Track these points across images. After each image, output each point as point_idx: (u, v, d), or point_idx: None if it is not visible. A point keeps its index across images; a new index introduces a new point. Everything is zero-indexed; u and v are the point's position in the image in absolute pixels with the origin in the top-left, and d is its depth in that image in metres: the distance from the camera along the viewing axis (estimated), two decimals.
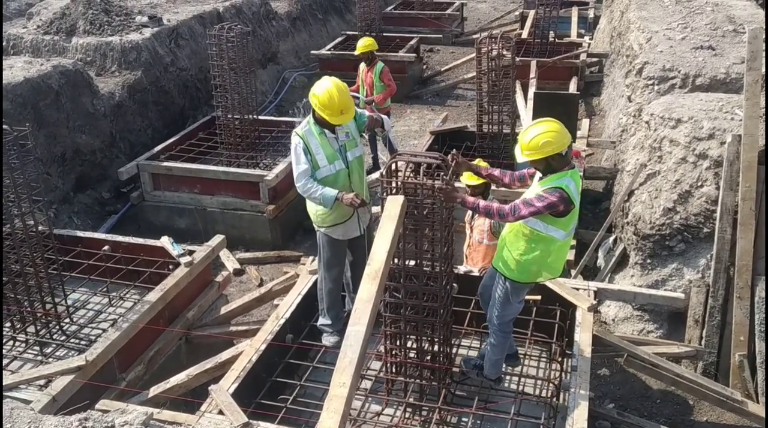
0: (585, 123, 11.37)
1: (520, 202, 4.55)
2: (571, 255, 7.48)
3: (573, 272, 7.54)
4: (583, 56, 13.64)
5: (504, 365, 5.32)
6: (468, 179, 6.18)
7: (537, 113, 9.18)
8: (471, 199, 4.78)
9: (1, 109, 8.31)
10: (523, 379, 5.46)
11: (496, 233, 6.17)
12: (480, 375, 5.27)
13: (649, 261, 7.05)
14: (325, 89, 5.21)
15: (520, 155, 4.56)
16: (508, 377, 5.49)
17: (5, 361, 5.77)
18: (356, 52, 10.55)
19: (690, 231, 6.87)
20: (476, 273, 6.10)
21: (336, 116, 5.24)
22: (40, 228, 5.90)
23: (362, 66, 10.60)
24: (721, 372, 6.47)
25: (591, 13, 17.73)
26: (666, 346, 6.41)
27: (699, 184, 6.85)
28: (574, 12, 16.84)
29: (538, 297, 5.91)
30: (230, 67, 9.33)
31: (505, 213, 4.55)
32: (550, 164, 4.54)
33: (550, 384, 5.36)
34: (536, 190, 4.57)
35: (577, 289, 6.00)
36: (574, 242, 7.62)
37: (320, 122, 5.38)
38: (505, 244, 4.80)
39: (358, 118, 5.60)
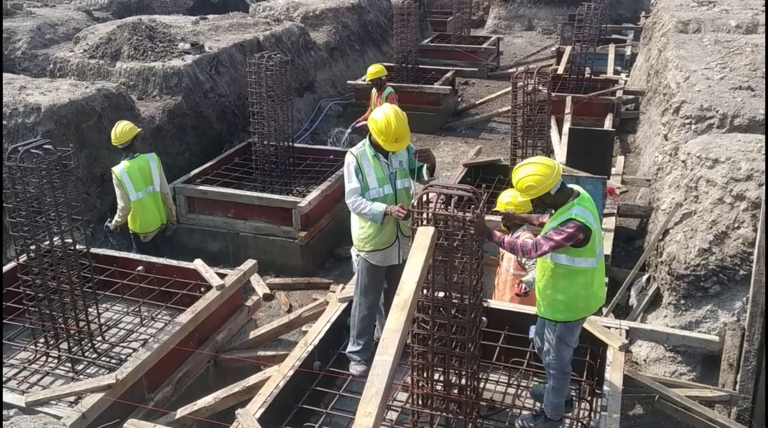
0: (620, 160, 11.33)
1: (540, 238, 4.64)
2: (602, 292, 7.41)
3: (605, 310, 7.44)
4: (619, 93, 13.60)
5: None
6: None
7: (571, 149, 9.16)
8: (498, 233, 4.83)
9: (1, 124, 8.57)
10: None
11: (523, 265, 6.17)
12: (546, 421, 5.17)
13: (683, 301, 6.93)
14: (384, 115, 5.34)
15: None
16: None
17: (37, 377, 5.88)
18: (366, 78, 11.09)
19: (726, 273, 6.74)
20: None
21: (390, 143, 5.37)
22: (77, 246, 6.04)
23: (374, 91, 11.03)
24: (756, 418, 6.29)
25: (628, 51, 17.73)
26: (699, 389, 6.27)
27: (736, 225, 6.75)
28: (611, 49, 16.86)
29: None
30: (268, 95, 9.48)
31: (528, 249, 4.65)
32: (546, 202, 4.60)
33: (579, 424, 5.28)
34: (550, 225, 4.66)
35: (609, 328, 5.93)
36: (606, 279, 7.56)
37: (375, 146, 5.51)
38: (543, 291, 4.84)
39: (411, 152, 5.72)
